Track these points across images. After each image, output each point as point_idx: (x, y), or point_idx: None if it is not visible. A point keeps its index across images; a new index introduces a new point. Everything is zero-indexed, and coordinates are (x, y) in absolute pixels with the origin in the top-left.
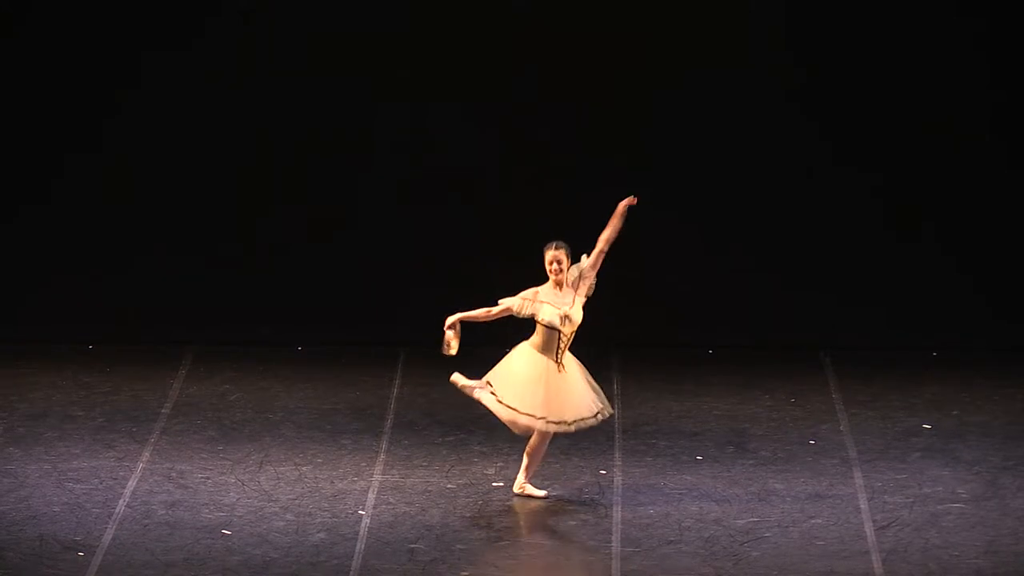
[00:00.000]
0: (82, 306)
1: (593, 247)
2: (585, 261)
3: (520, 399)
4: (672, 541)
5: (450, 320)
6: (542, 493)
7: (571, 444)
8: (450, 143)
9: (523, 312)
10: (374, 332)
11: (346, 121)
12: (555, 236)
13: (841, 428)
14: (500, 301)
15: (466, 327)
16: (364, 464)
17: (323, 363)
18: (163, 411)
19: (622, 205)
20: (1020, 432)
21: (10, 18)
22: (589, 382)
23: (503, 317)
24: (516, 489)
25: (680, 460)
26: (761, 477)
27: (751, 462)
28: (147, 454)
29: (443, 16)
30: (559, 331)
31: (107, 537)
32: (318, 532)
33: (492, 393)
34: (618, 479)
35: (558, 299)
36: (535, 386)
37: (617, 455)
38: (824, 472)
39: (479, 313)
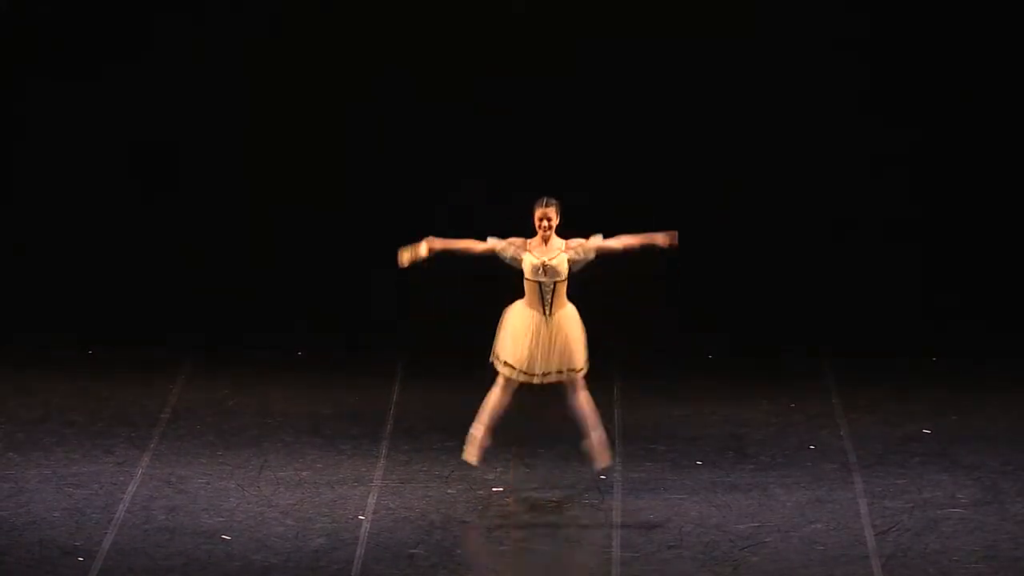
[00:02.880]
0: (82, 310)
1: (613, 235)
2: (596, 240)
3: (505, 350)
4: (672, 546)
5: (431, 243)
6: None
7: (571, 448)
8: (449, 148)
9: (506, 253)
10: (374, 337)
11: (344, 126)
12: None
13: (841, 433)
14: (488, 239)
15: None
16: (364, 469)
17: (323, 368)
18: (163, 416)
19: (660, 239)
20: (1019, 437)
21: None
22: (582, 335)
23: (485, 255)
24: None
25: (680, 465)
26: (761, 482)
27: (751, 467)
28: (147, 459)
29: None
30: (541, 283)
31: (107, 542)
32: (318, 537)
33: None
34: (618, 484)
35: (542, 251)
36: (514, 338)
37: (617, 460)
38: (824, 477)
39: (464, 244)
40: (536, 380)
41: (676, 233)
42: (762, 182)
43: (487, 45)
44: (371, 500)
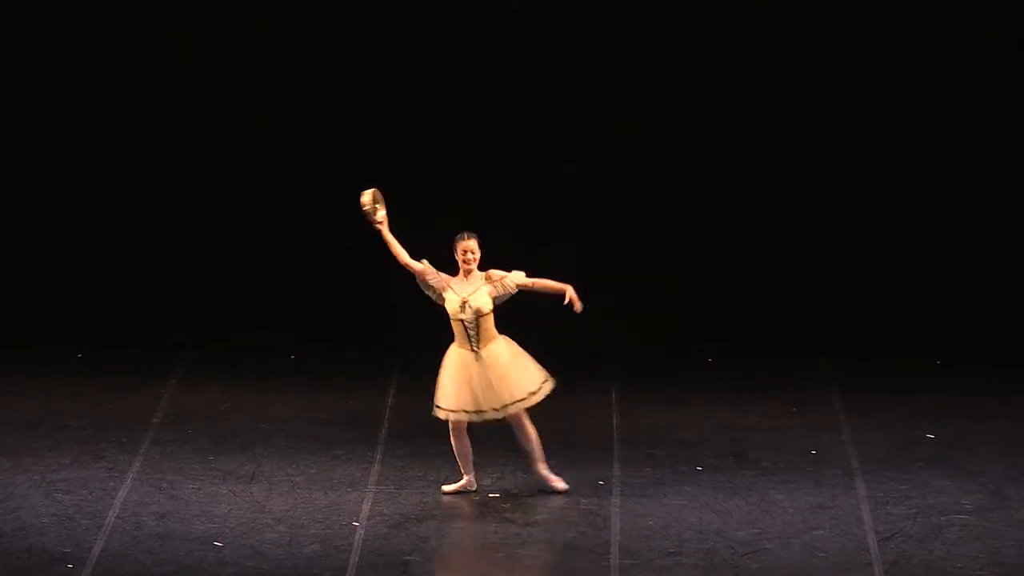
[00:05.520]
0: (73, 314)
1: (537, 275)
2: (519, 276)
3: (444, 396)
4: (672, 553)
5: (385, 230)
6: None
7: (569, 454)
8: (449, 153)
9: (430, 283)
10: (369, 341)
11: (345, 131)
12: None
13: (843, 438)
14: (423, 261)
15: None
16: (358, 474)
17: (317, 372)
18: (154, 421)
19: (569, 295)
20: None
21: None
22: (521, 364)
23: (409, 271)
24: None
25: (679, 470)
26: (762, 488)
27: (752, 472)
28: (138, 464)
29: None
30: (464, 320)
31: (97, 549)
32: (311, 544)
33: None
34: (617, 490)
35: (462, 287)
36: (452, 381)
37: (616, 466)
38: (826, 483)
39: (401, 252)
40: (490, 416)
41: (572, 292)
42: (761, 185)
43: (483, 45)
44: (365, 506)
